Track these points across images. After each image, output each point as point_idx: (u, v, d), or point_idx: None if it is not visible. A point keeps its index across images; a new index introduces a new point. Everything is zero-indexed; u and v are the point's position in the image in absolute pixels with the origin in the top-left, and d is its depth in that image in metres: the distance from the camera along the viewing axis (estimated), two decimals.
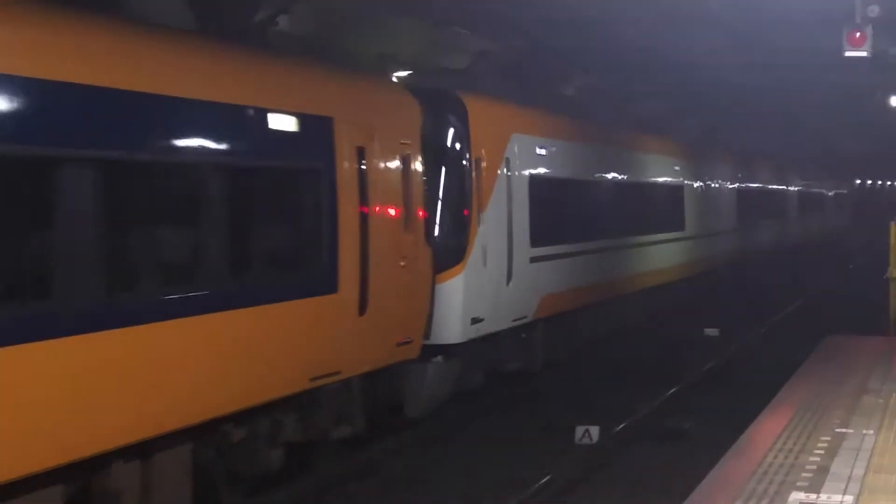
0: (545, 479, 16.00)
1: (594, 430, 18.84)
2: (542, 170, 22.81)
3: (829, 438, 12.96)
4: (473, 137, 19.67)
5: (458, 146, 19.49)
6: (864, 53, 18.81)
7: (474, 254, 19.35)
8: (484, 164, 20.05)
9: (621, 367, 26.07)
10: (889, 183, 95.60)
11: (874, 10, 18.79)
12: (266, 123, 13.91)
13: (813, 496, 10.61)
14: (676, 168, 34.81)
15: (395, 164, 16.93)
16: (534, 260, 22.09)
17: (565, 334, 24.63)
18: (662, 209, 32.97)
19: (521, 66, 32.41)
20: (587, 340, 26.43)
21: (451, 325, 18.64)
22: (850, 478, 11.23)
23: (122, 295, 11.30)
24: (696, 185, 36.95)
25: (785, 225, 55.16)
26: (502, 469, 17.16)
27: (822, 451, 12.32)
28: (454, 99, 19.74)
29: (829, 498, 10.54)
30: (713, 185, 39.57)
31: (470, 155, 19.58)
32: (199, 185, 12.61)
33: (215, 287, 12.72)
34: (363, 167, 15.92)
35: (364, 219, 15.85)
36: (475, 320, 19.22)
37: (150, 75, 12.01)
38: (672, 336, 30.81)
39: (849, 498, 10.53)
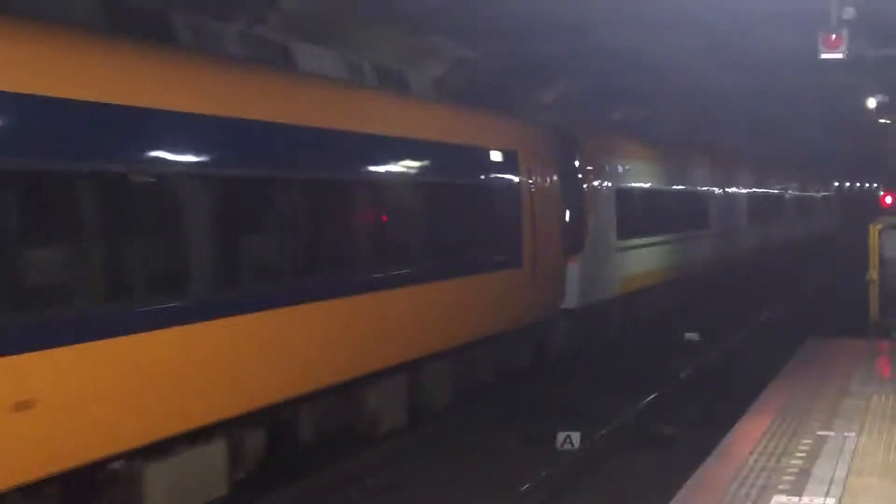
0: (526, 487, 16.04)
1: (575, 436, 18.88)
2: (623, 183, 30.76)
3: (810, 441, 13.00)
4: (583, 161, 27.72)
5: (575, 168, 27.30)
6: (839, 56, 18.87)
7: (587, 246, 27.30)
8: (590, 180, 28.05)
9: (604, 373, 26.14)
10: (873, 185, 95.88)
11: (849, 13, 18.85)
12: (488, 157, 21.81)
13: (795, 499, 10.66)
14: (705, 175, 42.29)
15: (547, 181, 24.62)
16: (619, 250, 30.12)
17: (630, 310, 31.89)
18: (698, 210, 40.77)
19: (499, 73, 32.48)
20: (644, 317, 33.38)
21: (571, 296, 26.22)
22: (832, 480, 11.28)
23: (424, 264, 18.93)
24: (719, 190, 44.53)
25: (784, 224, 60.62)
26: (484, 478, 17.21)
27: (803, 454, 12.37)
28: (571, 134, 27.50)
29: (811, 501, 10.59)
30: (732, 191, 47.22)
31: (582, 174, 27.65)
32: (457, 198, 20.26)
33: (471, 259, 20.75)
34: (531, 184, 23.58)
35: (533, 219, 23.41)
36: (584, 294, 26.90)
37: (435, 130, 19.90)
38: (656, 340, 30.90)
39: (831, 500, 10.58)
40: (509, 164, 22.56)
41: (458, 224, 20.29)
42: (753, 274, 49.35)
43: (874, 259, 23.02)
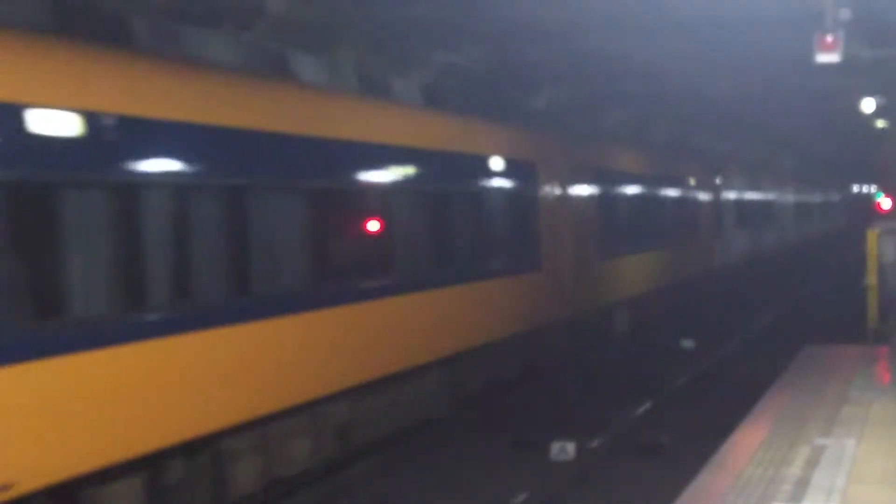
0: (521, 498, 16.03)
1: (570, 446, 18.88)
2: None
3: (809, 449, 13.01)
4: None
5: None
6: (835, 58, 18.88)
7: None
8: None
9: (599, 381, 26.16)
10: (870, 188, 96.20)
11: (846, 13, 18.85)
12: (515, 168, 24.07)
13: None
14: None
15: (557, 189, 26.64)
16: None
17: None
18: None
19: (488, 79, 32.51)
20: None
21: None
22: (831, 489, 11.28)
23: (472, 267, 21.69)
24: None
25: (791, 226, 64.98)
26: (479, 487, 17.20)
27: (802, 463, 12.38)
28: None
29: None
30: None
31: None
32: (494, 207, 22.86)
33: (508, 261, 23.41)
34: (545, 191, 25.73)
35: (547, 223, 25.65)
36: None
37: (477, 145, 22.58)
38: (651, 348, 30.92)
39: None
40: (529, 175, 25.08)
41: (493, 230, 22.87)
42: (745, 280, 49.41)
43: (872, 264, 23.03)
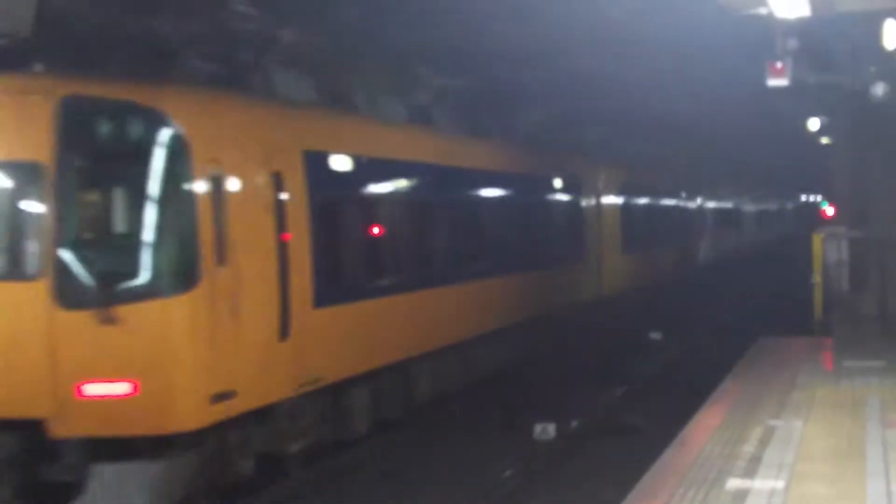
0: (508, 473, 16.04)
1: (551, 427, 18.88)
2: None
3: (761, 430, 13.03)
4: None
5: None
6: (784, 82, 18.91)
7: None
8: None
9: (577, 369, 26.16)
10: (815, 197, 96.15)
11: (794, 43, 18.89)
12: (569, 184, 29.18)
13: (748, 482, 10.68)
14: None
15: (592, 198, 31.32)
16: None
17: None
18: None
19: (480, 100, 32.48)
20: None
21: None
22: (781, 465, 11.30)
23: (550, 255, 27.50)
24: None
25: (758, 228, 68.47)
26: (472, 463, 17.23)
27: (755, 442, 12.39)
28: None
29: (762, 483, 10.61)
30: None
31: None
32: (561, 211, 28.54)
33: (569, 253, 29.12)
34: (583, 198, 30.37)
35: (588, 225, 30.51)
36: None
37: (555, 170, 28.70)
38: (624, 340, 30.91)
39: (780, 483, 10.60)
40: (574, 186, 29.76)
41: (559, 230, 28.11)
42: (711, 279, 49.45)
43: (817, 265, 23.07)
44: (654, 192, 39.05)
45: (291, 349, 14.44)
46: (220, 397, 12.93)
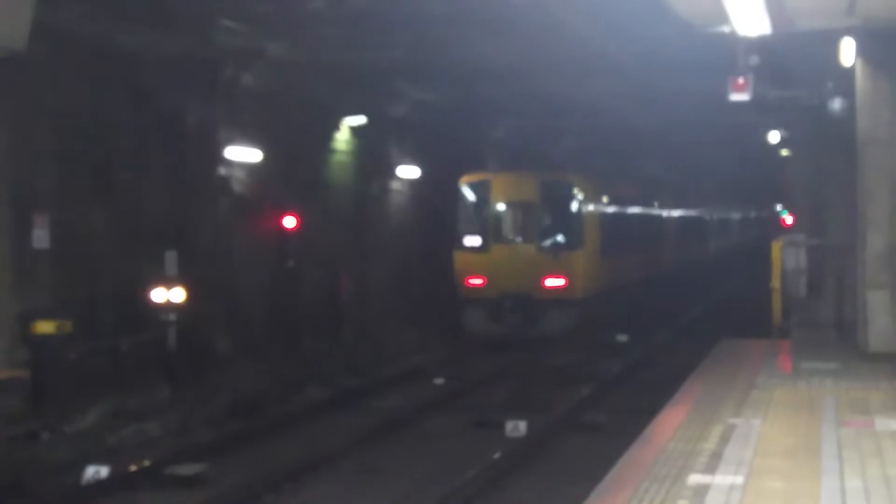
0: (480, 468, 16.03)
1: (522, 425, 18.87)
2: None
3: (722, 428, 13.03)
4: None
5: None
6: (746, 97, 18.95)
7: None
8: None
9: (545, 369, 26.17)
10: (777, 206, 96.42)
11: (755, 59, 18.94)
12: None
13: (709, 477, 10.67)
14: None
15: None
16: None
17: None
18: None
19: (453, 113, 32.50)
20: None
21: None
22: (740, 461, 11.30)
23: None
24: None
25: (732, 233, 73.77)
26: (446, 458, 17.21)
27: (716, 439, 12.39)
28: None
29: (722, 479, 10.60)
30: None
31: None
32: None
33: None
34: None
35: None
36: None
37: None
38: (591, 341, 30.94)
39: (739, 479, 10.60)
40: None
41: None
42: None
43: (776, 271, 23.11)
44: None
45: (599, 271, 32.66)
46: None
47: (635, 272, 37.51)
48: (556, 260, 30.08)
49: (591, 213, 32.14)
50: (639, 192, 40.77)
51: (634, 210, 39.32)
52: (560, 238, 30.63)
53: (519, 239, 30.73)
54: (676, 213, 49.26)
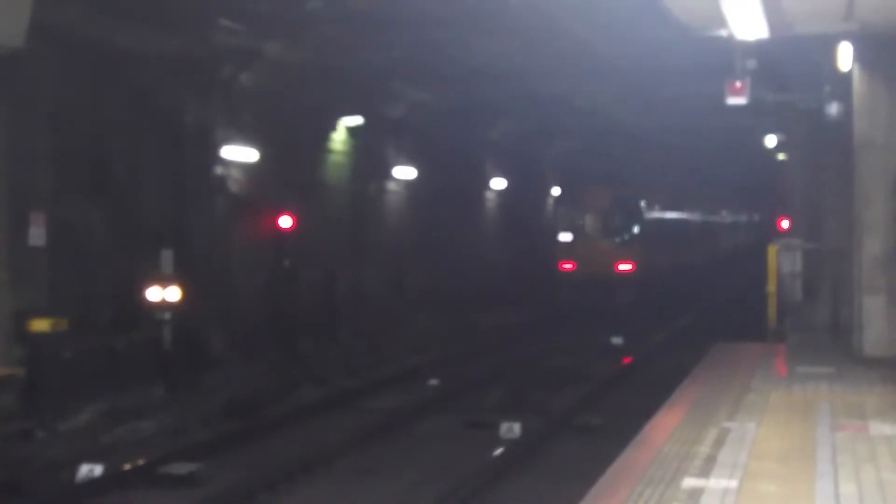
0: (473, 469, 16.00)
1: (516, 426, 18.85)
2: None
3: (717, 431, 13.02)
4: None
5: None
6: (743, 101, 18.96)
7: None
8: None
9: (541, 372, 26.15)
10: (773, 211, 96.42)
11: (752, 63, 18.94)
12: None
13: (703, 481, 10.66)
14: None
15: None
16: None
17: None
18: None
19: (450, 115, 32.49)
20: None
21: None
22: (735, 464, 11.29)
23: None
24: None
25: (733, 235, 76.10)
26: (440, 460, 17.19)
27: (711, 442, 12.37)
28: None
29: (717, 482, 10.60)
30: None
31: None
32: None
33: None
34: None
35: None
36: None
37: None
38: (586, 343, 30.92)
39: (734, 482, 10.59)
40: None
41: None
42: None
43: (772, 275, 23.11)
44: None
45: (652, 259, 41.87)
46: None
47: (672, 261, 47.31)
48: (624, 250, 40.62)
49: (646, 217, 42.89)
50: (670, 199, 49.08)
51: (670, 214, 48.67)
52: (627, 235, 41.27)
53: (598, 235, 41.10)
54: (696, 216, 55.55)
